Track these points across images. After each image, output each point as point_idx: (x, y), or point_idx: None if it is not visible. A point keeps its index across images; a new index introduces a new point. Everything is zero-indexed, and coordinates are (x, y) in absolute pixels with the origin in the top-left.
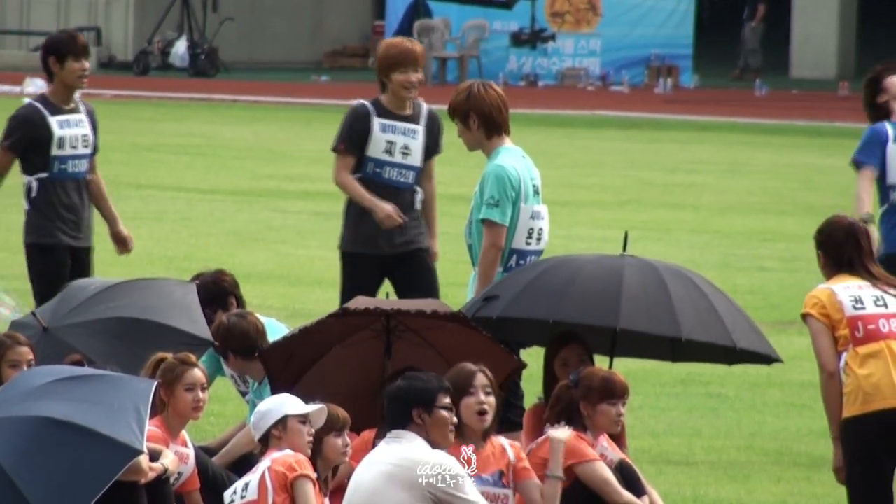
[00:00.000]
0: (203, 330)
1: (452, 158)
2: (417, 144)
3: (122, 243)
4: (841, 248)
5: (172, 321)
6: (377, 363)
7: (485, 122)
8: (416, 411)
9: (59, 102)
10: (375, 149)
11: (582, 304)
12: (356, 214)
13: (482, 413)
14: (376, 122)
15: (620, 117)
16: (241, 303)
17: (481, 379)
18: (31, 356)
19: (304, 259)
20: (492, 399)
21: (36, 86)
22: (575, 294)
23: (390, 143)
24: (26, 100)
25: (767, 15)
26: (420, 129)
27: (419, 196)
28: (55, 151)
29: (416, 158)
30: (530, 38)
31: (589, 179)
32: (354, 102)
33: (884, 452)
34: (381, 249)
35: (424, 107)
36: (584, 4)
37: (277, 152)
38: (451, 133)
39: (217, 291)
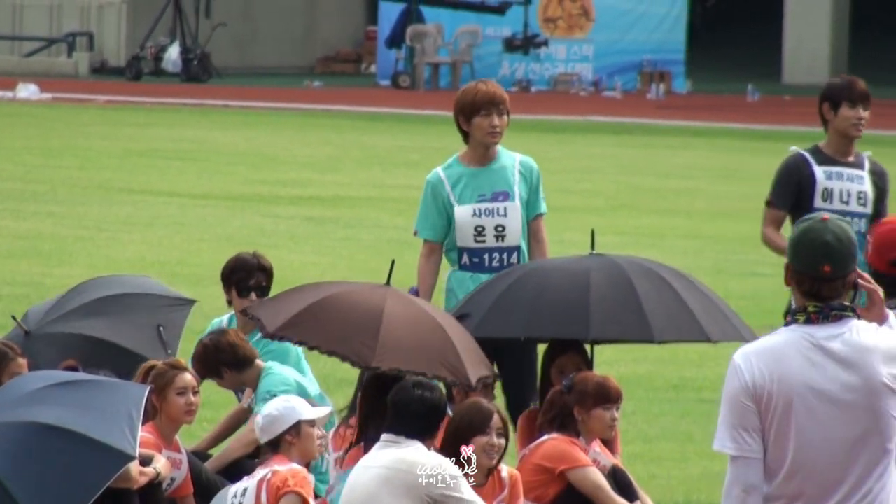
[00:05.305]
0: (178, 294)
1: None
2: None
3: None
4: None
5: (147, 290)
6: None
7: None
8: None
9: (832, 153)
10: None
11: (552, 318)
12: None
13: (491, 455)
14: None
15: (613, 123)
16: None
17: (497, 421)
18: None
19: (298, 264)
20: (502, 441)
21: (28, 91)
22: (543, 308)
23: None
24: (792, 147)
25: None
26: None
27: None
28: (818, 203)
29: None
30: (523, 44)
31: (581, 185)
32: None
33: None
34: None
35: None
36: (577, 10)
37: (270, 157)
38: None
39: (259, 267)
